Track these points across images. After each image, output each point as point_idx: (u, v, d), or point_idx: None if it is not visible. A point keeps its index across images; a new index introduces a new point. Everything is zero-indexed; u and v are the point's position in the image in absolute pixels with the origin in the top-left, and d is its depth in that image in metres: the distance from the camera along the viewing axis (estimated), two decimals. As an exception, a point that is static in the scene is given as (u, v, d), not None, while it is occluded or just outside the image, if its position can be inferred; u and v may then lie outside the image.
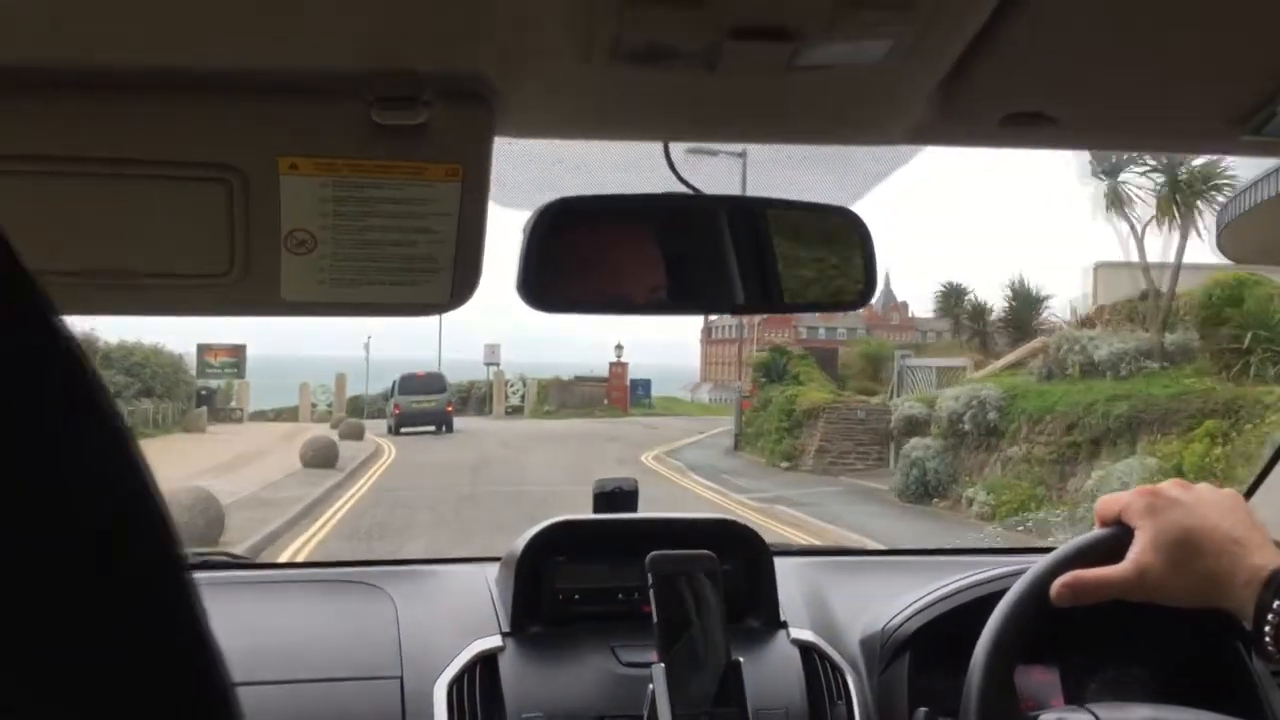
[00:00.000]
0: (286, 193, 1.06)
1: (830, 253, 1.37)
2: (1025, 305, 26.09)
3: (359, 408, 39.60)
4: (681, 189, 1.25)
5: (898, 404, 20.53)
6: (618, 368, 44.76)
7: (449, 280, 1.15)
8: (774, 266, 1.32)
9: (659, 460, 23.09)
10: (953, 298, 28.30)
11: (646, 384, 49.76)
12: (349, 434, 26.92)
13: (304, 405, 38.79)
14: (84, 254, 1.09)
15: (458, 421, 32.55)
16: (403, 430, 30.35)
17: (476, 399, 43.23)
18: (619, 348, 45.62)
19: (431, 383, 33.05)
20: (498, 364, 44.43)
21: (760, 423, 24.81)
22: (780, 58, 0.93)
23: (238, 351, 37.40)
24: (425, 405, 31.72)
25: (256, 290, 1.13)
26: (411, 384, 32.97)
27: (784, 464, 22.15)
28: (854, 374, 29.98)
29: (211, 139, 1.03)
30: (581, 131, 1.19)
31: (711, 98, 1.06)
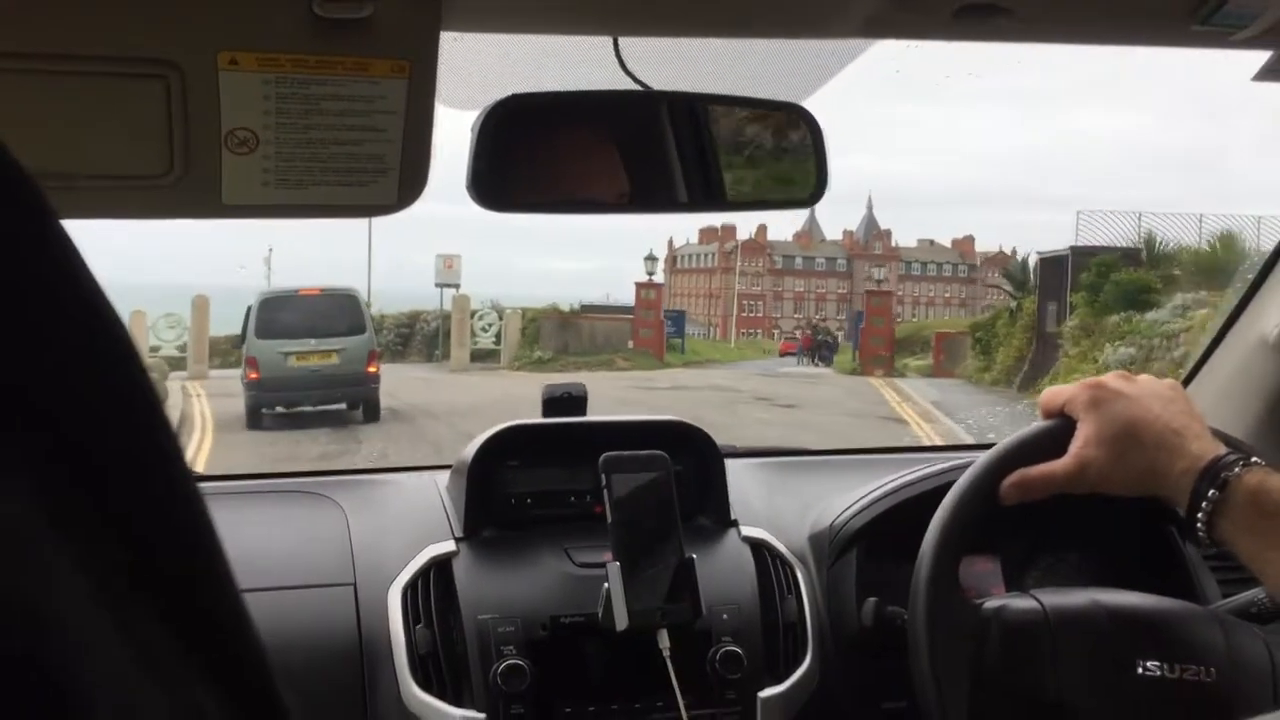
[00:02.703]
0: (227, 89, 1.03)
1: (778, 150, 1.36)
2: None
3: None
4: (632, 86, 1.23)
5: None
6: (649, 291, 29.38)
7: (396, 180, 1.12)
8: (717, 164, 1.31)
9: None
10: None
11: (679, 318, 34.30)
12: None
13: (137, 348, 22.78)
14: (16, 155, 1.05)
15: (391, 376, 17.34)
16: (268, 414, 15.46)
17: (423, 338, 28.34)
18: (651, 259, 31.14)
19: (329, 312, 16.12)
20: (457, 285, 27.55)
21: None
22: None
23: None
24: (318, 361, 15.63)
25: (196, 192, 1.10)
26: (286, 312, 15.96)
27: None
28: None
29: (148, 33, 0.99)
30: (531, 26, 1.16)
31: None
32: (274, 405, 15.71)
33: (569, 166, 1.28)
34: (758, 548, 1.64)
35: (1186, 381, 1.92)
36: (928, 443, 13.37)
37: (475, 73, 1.24)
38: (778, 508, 1.74)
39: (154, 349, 22.89)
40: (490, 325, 27.07)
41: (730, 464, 1.74)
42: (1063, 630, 1.31)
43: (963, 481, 1.38)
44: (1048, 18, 1.13)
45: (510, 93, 1.19)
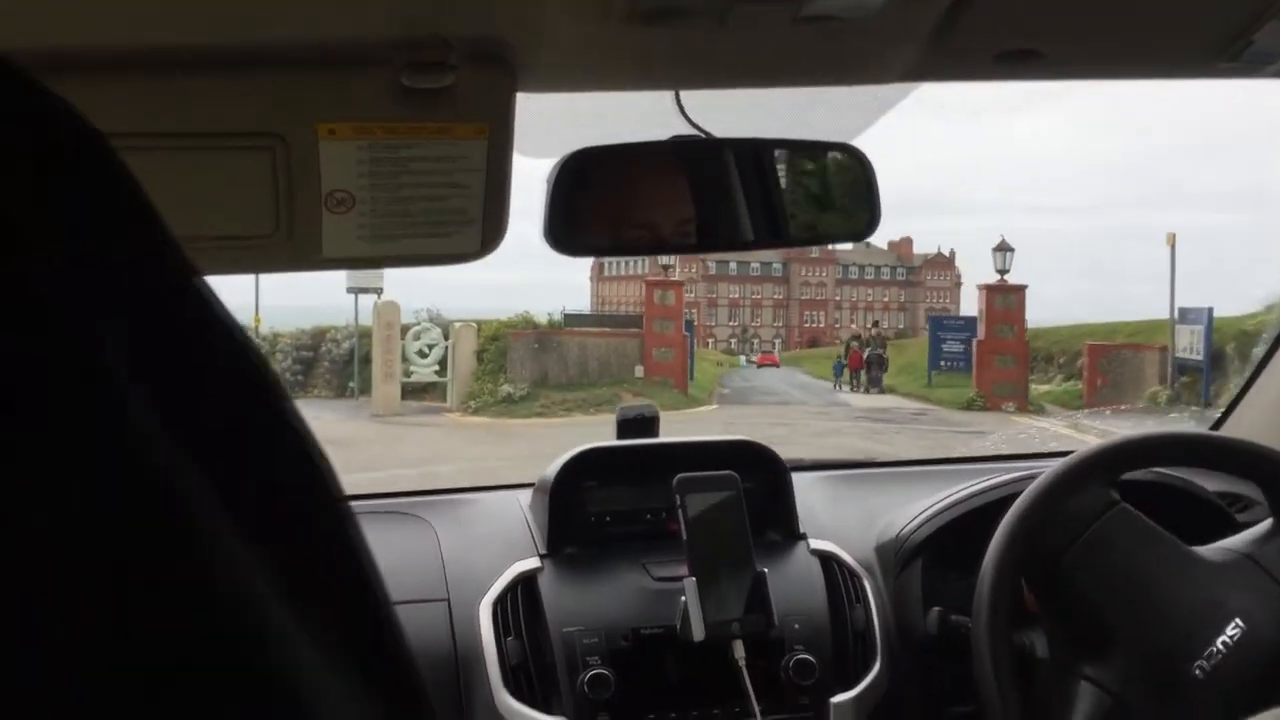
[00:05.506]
0: (326, 156, 1.14)
1: (835, 187, 1.44)
2: None
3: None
4: (693, 133, 1.32)
5: None
6: (666, 293, 21.52)
7: (479, 230, 1.22)
8: (780, 203, 1.39)
9: None
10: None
11: (688, 329, 24.17)
12: None
13: None
14: None
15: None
16: None
17: (332, 363, 20.87)
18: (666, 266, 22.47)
19: None
20: (379, 289, 19.13)
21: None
22: (787, 11, 1.00)
23: None
24: None
25: (300, 249, 1.21)
26: None
27: None
28: None
29: (257, 110, 1.10)
30: (598, 84, 1.26)
31: (720, 49, 1.13)
32: None
33: (638, 211, 1.37)
34: (826, 559, 1.71)
35: (1238, 398, 1.96)
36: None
37: (552, 126, 1.34)
38: (844, 520, 1.81)
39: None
40: (431, 346, 18.87)
41: (796, 478, 1.82)
42: None
43: (1026, 497, 1.45)
44: (1080, 58, 1.19)
45: (581, 145, 1.29)
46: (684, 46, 1.13)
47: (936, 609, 1.56)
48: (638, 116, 1.35)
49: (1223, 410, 2.03)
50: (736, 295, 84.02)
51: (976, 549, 1.48)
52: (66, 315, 0.27)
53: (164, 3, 0.99)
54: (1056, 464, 1.47)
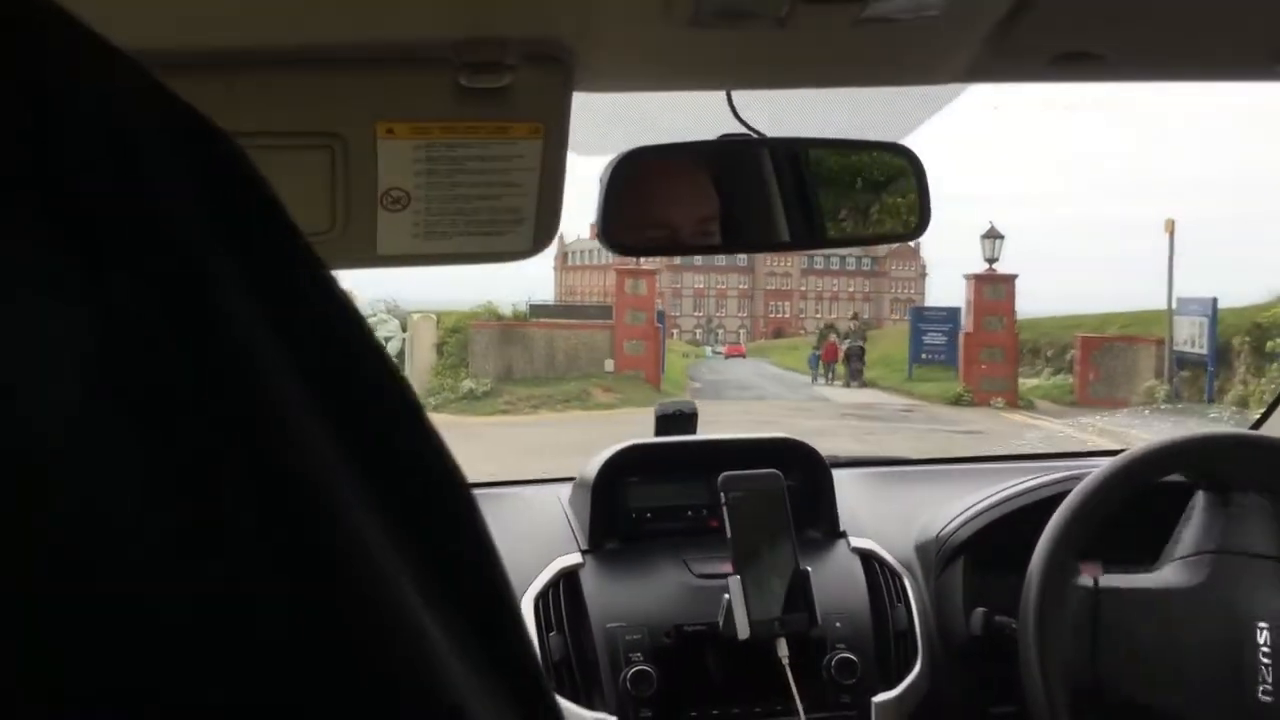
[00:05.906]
0: (383, 155, 1.14)
1: (880, 187, 1.44)
2: None
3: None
4: (742, 130, 1.32)
5: None
6: (637, 282, 20.50)
7: (531, 229, 1.23)
8: (827, 203, 1.39)
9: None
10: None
11: (659, 320, 23.68)
12: None
13: None
14: None
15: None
16: None
17: None
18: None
19: None
20: None
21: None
22: (848, 13, 1.00)
23: None
24: None
25: (355, 245, 1.22)
26: None
27: None
28: None
29: (317, 109, 1.11)
30: (655, 85, 1.26)
31: (778, 51, 1.13)
32: None
33: (683, 211, 1.37)
34: (867, 558, 1.72)
35: (1258, 424, 1.96)
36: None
37: (600, 122, 1.34)
38: (884, 518, 1.81)
39: None
40: (388, 339, 17.56)
41: (836, 474, 1.82)
42: None
43: (1077, 497, 1.44)
44: (1138, 61, 1.19)
45: (633, 144, 1.29)
46: (741, 48, 1.13)
47: (981, 610, 1.56)
48: (681, 113, 1.36)
49: (1263, 410, 2.02)
50: (701, 285, 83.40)
51: (1019, 550, 1.48)
52: (223, 306, 0.27)
53: (226, 3, 0.99)
54: (1105, 464, 1.46)
